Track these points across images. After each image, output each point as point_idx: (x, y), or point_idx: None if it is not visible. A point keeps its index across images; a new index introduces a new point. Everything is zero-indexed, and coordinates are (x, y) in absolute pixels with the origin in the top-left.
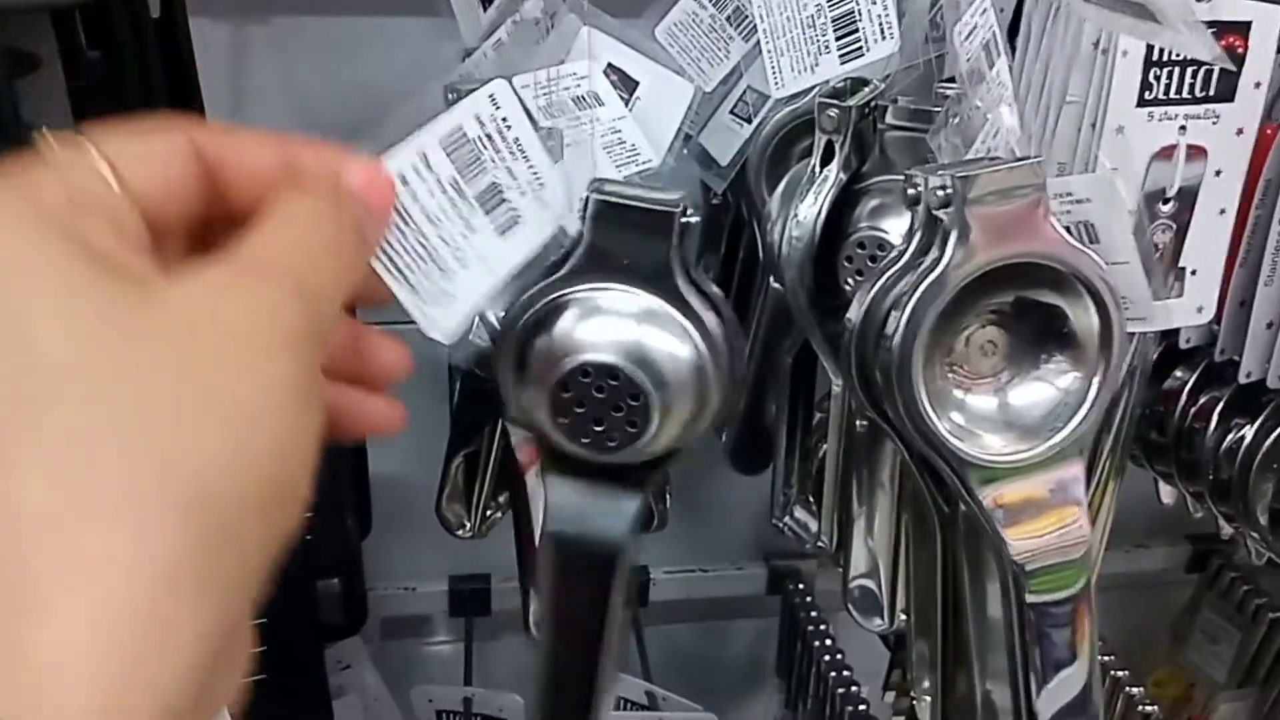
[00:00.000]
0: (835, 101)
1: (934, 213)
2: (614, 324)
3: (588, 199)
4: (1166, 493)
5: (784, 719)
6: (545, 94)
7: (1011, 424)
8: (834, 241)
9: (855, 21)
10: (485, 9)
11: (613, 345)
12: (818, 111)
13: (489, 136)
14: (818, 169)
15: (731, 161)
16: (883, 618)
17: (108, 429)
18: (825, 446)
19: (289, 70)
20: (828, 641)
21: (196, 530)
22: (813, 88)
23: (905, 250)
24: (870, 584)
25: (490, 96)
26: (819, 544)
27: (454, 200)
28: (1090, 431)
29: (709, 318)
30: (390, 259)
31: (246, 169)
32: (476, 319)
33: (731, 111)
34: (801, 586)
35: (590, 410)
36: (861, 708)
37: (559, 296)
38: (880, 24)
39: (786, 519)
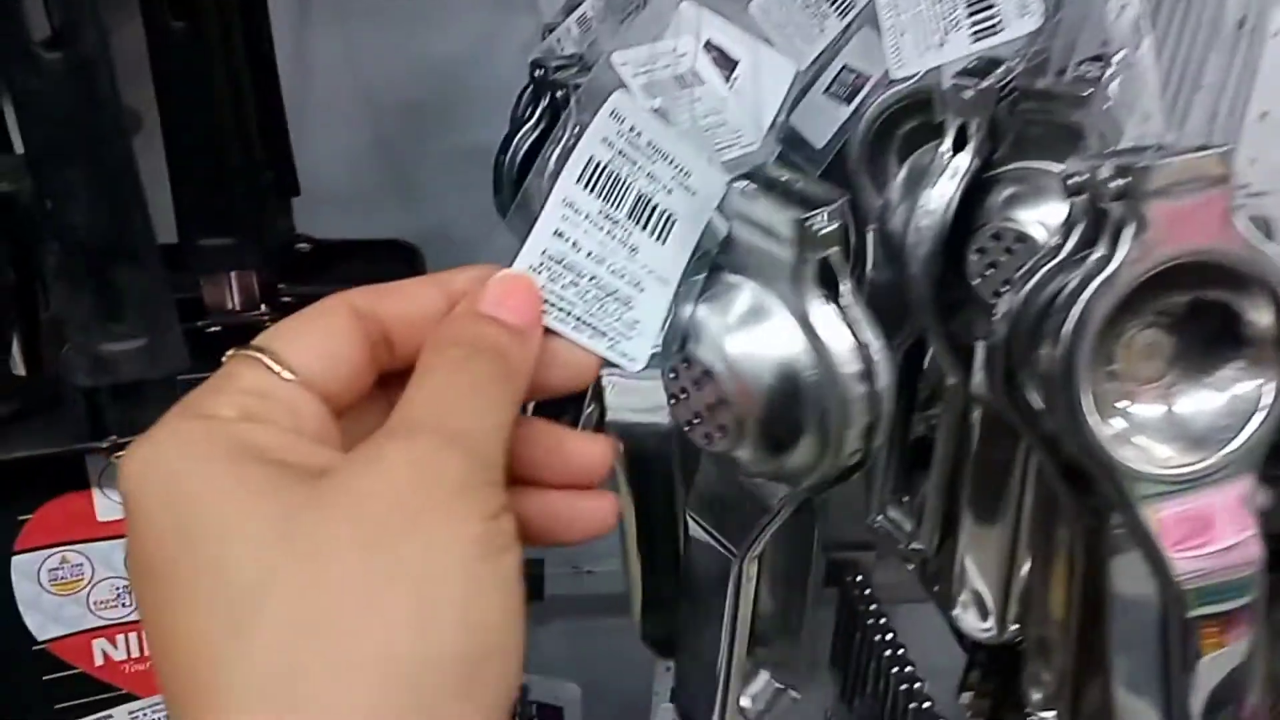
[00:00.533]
0: (972, 82)
1: (1103, 205)
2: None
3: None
4: None
5: (838, 712)
6: (646, 72)
7: (1178, 434)
8: (961, 233)
9: None
10: None
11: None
12: (951, 93)
13: (621, 153)
14: (948, 154)
15: (829, 145)
16: (992, 626)
17: (304, 620)
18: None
19: (352, 45)
20: (888, 636)
21: (393, 689)
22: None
23: (1063, 245)
24: (982, 589)
25: (612, 114)
26: (915, 547)
27: (609, 230)
28: (1265, 442)
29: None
30: (569, 314)
31: (408, 320)
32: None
33: (826, 91)
34: (860, 579)
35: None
36: (926, 705)
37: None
38: None
39: (880, 518)
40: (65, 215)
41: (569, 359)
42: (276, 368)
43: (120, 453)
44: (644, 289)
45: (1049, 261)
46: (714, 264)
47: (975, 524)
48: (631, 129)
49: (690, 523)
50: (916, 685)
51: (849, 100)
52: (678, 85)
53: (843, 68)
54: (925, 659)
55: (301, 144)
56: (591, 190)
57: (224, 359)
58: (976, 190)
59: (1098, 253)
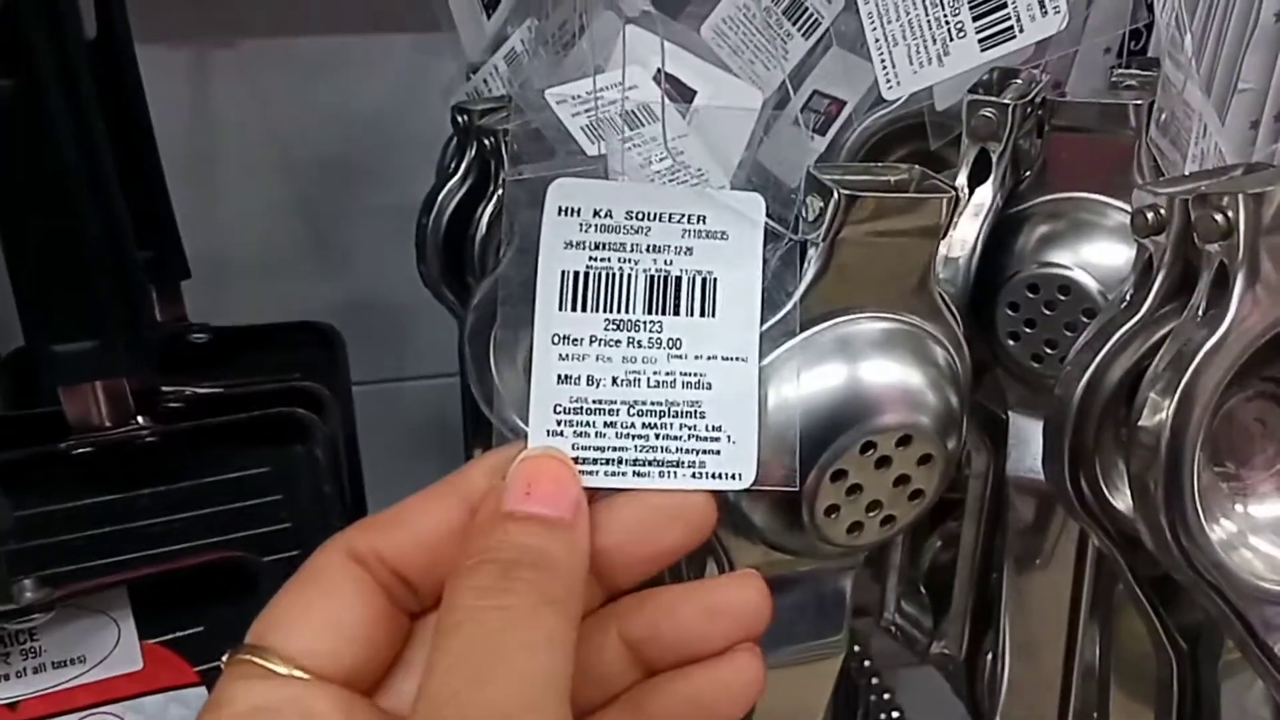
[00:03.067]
0: (991, 99)
1: (1201, 246)
2: None
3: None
4: None
5: None
6: (586, 111)
7: None
8: (987, 282)
9: None
10: (489, 16)
11: None
12: (968, 112)
13: (599, 246)
14: (965, 189)
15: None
16: None
17: None
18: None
19: (261, 98)
20: (894, 714)
21: None
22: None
23: (1140, 299)
24: (1027, 707)
25: (561, 211)
26: (941, 651)
27: (629, 339)
28: None
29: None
30: (622, 462)
31: (424, 548)
32: None
33: (797, 122)
34: (857, 648)
35: None
36: None
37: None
38: None
39: (896, 616)
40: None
41: (661, 512)
42: (277, 667)
43: None
44: (710, 382)
45: (1125, 320)
46: None
47: (1018, 627)
48: (596, 213)
49: None
50: None
51: (823, 131)
52: (627, 124)
53: (813, 93)
54: None
55: (206, 212)
56: (581, 307)
57: (222, 664)
58: (1001, 230)
59: (1198, 307)
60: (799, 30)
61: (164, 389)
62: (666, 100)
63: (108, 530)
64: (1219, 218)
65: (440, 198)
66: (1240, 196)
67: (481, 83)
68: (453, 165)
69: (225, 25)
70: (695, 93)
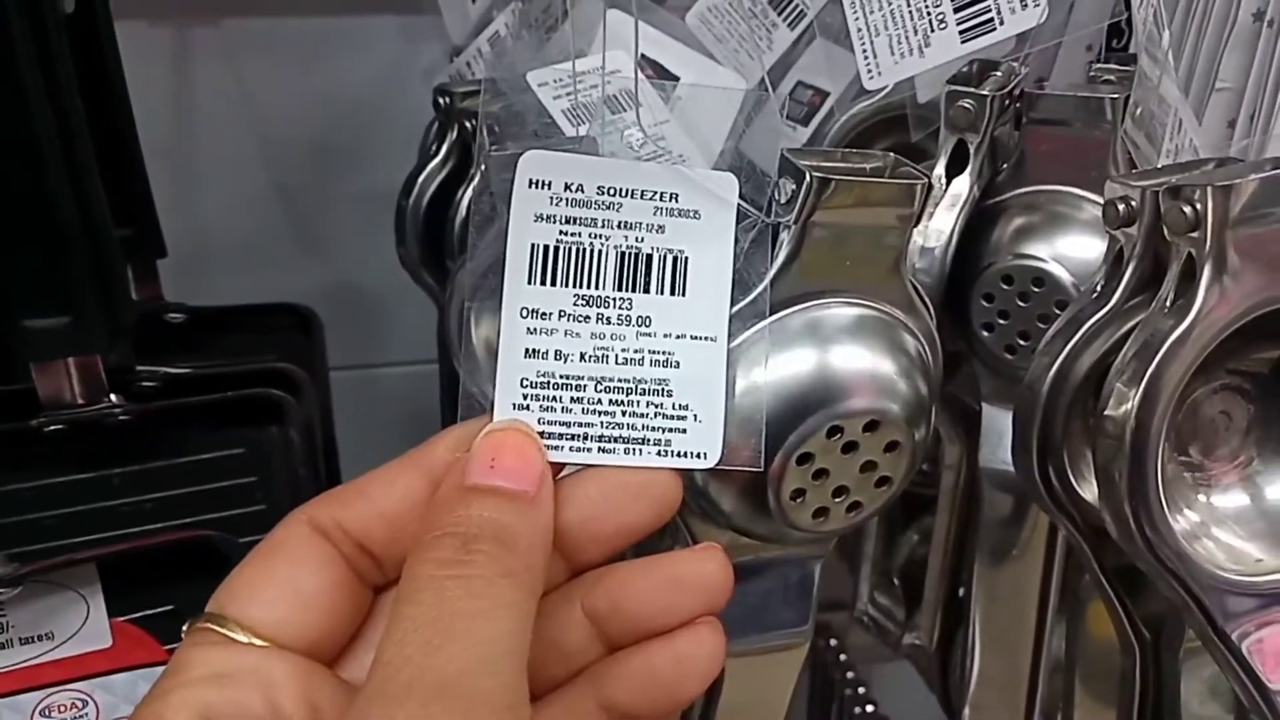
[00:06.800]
0: (970, 90)
1: (1170, 238)
2: None
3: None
4: None
5: None
6: (568, 94)
7: (1268, 528)
8: (962, 273)
9: None
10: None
11: None
12: (946, 103)
13: (570, 220)
14: (943, 179)
15: None
16: None
17: None
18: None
19: (242, 80)
20: (869, 708)
21: None
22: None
23: (1109, 289)
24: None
25: (531, 183)
26: (913, 642)
27: (598, 314)
28: None
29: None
30: (589, 437)
31: (386, 520)
32: None
33: (780, 111)
34: (834, 642)
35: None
36: None
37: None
38: None
39: (869, 608)
40: None
41: (627, 488)
42: (237, 635)
43: None
44: (679, 361)
45: (1095, 311)
46: None
47: (989, 619)
48: (567, 186)
49: None
50: None
51: (806, 122)
52: (608, 109)
53: (797, 84)
54: None
55: (185, 193)
56: (551, 281)
57: (183, 632)
58: (978, 221)
59: (1165, 299)
60: (784, 20)
61: (139, 368)
62: (650, 85)
63: (79, 509)
64: (1187, 210)
65: (420, 180)
66: (1209, 189)
67: (465, 65)
68: (434, 148)
69: (207, 3)
70: (678, 79)
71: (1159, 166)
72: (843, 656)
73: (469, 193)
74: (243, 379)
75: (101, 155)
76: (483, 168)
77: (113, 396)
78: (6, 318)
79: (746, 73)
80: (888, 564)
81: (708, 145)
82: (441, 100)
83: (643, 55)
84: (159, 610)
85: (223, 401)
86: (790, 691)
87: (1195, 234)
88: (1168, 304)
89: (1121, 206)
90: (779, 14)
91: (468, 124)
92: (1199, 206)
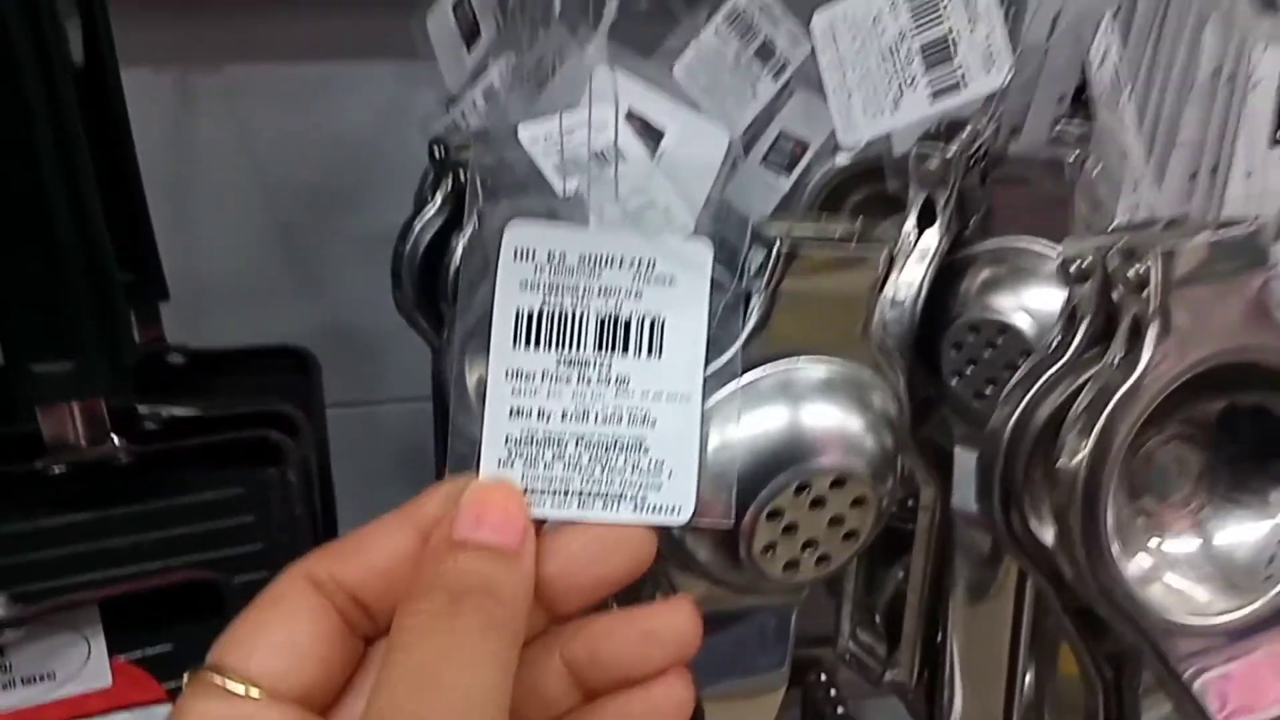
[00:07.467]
0: (938, 146)
1: (1116, 297)
2: None
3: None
4: None
5: None
6: (556, 149)
7: (1217, 572)
8: (933, 323)
9: (951, 48)
10: (470, 49)
11: None
12: (914, 162)
13: (552, 288)
14: (913, 233)
15: None
16: None
17: None
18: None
19: (243, 124)
20: None
21: None
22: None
23: (1065, 342)
24: None
25: (516, 254)
26: (894, 679)
27: (578, 376)
28: None
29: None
30: (568, 493)
31: (378, 574)
32: None
33: (764, 160)
34: (824, 677)
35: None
36: None
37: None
38: (986, 50)
39: (851, 644)
40: None
41: (604, 543)
42: (234, 686)
43: None
44: (655, 420)
45: (1051, 364)
46: None
47: (966, 656)
48: (549, 256)
49: None
50: None
51: (789, 170)
52: (596, 163)
53: (779, 134)
54: None
55: (186, 235)
56: (534, 345)
57: (184, 682)
58: (947, 273)
59: (1115, 354)
60: (768, 72)
61: (140, 410)
62: (638, 140)
63: (81, 549)
64: (1135, 271)
65: (418, 227)
66: (1155, 252)
67: (460, 115)
68: (430, 196)
69: (210, 49)
70: (663, 133)
71: (1115, 225)
72: (833, 691)
73: (463, 241)
74: (242, 421)
75: (106, 200)
76: (474, 220)
77: (115, 438)
78: (12, 361)
79: (733, 122)
80: (870, 601)
81: (692, 196)
82: (437, 151)
83: (629, 108)
84: (158, 650)
85: (222, 443)
86: None
87: (1143, 294)
88: (1116, 360)
89: (1076, 264)
90: (763, 66)
91: (462, 174)
92: (1147, 268)
